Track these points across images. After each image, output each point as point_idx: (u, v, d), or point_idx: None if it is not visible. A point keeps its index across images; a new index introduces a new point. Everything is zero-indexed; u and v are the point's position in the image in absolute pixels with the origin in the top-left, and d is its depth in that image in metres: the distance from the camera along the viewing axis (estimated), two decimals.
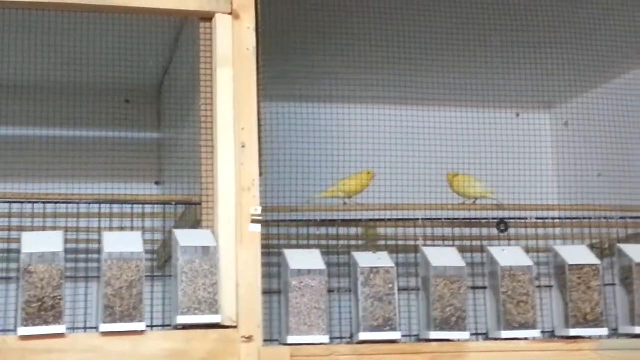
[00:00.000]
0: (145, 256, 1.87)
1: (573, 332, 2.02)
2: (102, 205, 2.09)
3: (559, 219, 2.38)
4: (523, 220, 2.28)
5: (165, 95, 2.63)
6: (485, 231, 2.30)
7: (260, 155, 1.92)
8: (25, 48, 2.25)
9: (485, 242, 2.25)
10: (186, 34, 2.27)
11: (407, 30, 2.28)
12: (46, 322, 1.77)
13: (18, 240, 1.89)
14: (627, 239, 2.23)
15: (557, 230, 2.40)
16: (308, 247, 2.11)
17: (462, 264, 2.02)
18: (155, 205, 2.16)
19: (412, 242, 2.18)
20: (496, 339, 2.02)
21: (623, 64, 2.48)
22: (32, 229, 2.11)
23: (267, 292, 2.01)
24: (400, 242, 2.20)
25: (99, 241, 1.95)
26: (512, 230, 2.27)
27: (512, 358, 1.98)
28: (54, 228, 2.06)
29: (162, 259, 2.33)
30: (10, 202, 2.10)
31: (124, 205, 2.11)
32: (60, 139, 2.39)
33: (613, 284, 2.12)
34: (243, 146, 1.91)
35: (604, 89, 2.46)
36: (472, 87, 2.45)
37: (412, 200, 2.21)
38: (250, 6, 1.95)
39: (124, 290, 1.82)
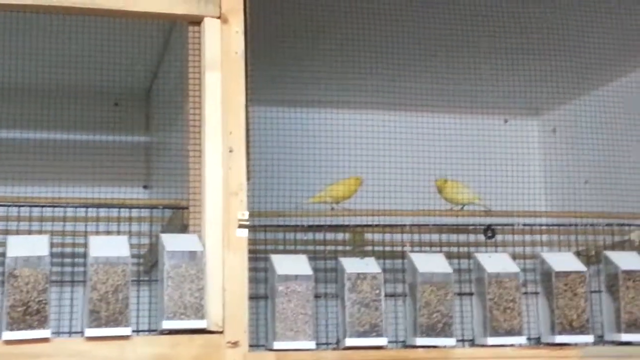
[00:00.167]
0: (132, 260, 1.86)
1: (559, 338, 2.02)
2: (89, 209, 2.08)
3: (546, 225, 2.38)
4: (510, 227, 2.28)
5: (154, 99, 2.63)
6: (472, 237, 2.30)
7: (248, 159, 1.92)
8: (13, 50, 2.24)
9: (472, 249, 2.26)
10: (175, 37, 2.27)
11: (396, 36, 2.28)
12: (31, 327, 1.76)
13: (3, 244, 1.88)
14: (614, 246, 2.23)
15: (544, 237, 2.41)
16: (295, 252, 2.10)
17: (449, 270, 2.02)
18: (143, 209, 2.15)
19: (399, 248, 2.18)
20: (482, 346, 2.02)
21: (611, 71, 2.49)
22: (18, 232, 2.09)
23: (253, 297, 2.00)
24: (387, 248, 2.20)
25: (85, 245, 1.94)
26: (499, 237, 2.27)
27: None
28: (40, 232, 2.04)
29: (148, 263, 2.32)
30: None
31: (110, 209, 2.10)
32: (48, 142, 2.38)
33: (599, 291, 2.12)
34: (231, 151, 1.90)
35: (591, 96, 2.47)
36: (461, 93, 2.45)
37: (399, 206, 2.21)
38: (239, 10, 1.95)
39: (110, 294, 1.81)
